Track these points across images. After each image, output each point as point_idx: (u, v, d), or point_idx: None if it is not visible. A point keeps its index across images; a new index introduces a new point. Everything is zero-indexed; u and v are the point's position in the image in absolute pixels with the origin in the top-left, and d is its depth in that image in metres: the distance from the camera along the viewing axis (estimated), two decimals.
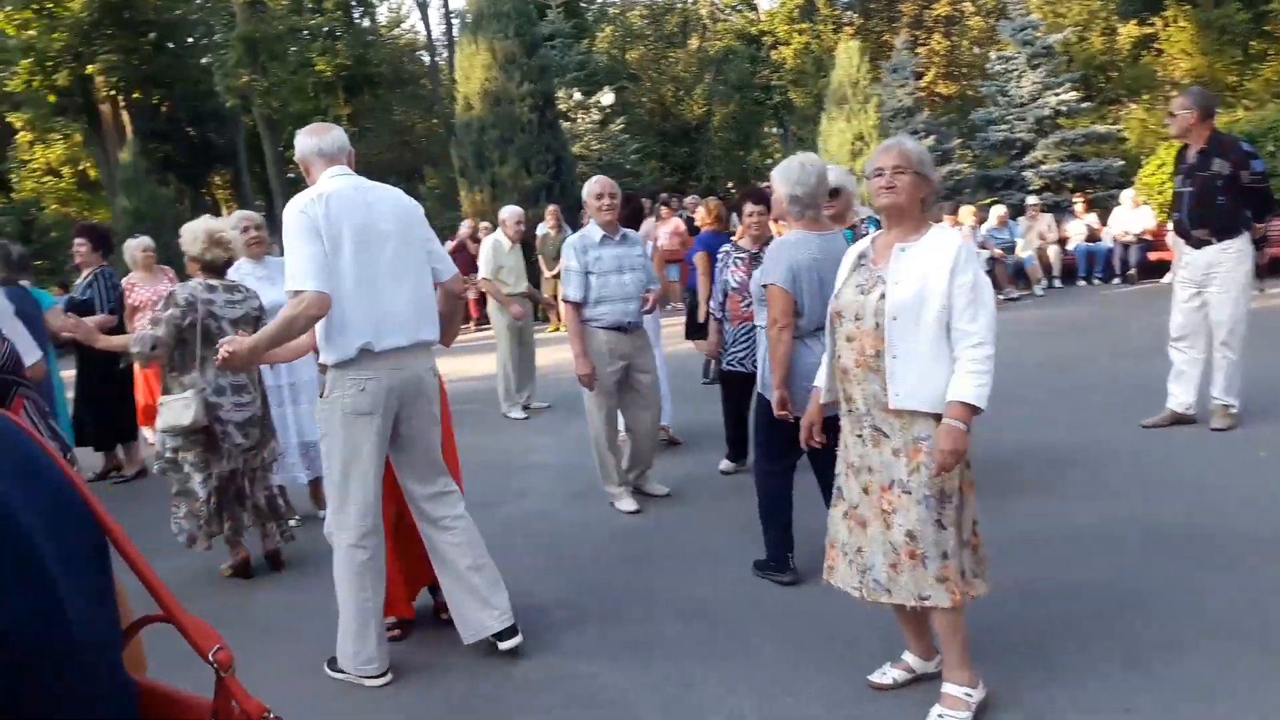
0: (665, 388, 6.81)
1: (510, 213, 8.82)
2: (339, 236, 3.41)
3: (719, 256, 5.92)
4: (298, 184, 36.36)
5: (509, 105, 16.19)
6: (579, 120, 21.85)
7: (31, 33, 24.74)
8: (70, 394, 7.50)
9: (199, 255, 4.86)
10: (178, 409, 4.71)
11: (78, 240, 7.49)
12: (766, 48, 33.78)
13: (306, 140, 3.64)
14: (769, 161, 37.10)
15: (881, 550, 3.10)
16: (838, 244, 4.23)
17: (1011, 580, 3.97)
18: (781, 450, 4.41)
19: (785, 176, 4.18)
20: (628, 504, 5.75)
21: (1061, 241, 15.12)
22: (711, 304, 6.07)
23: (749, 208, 5.75)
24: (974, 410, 2.91)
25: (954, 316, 2.94)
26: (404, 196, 3.68)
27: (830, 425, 4.24)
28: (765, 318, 4.28)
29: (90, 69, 25.27)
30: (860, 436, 3.18)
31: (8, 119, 28.33)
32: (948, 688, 3.14)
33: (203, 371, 4.78)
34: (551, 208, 14.74)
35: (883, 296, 3.02)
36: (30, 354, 3.51)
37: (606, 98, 25.48)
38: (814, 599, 4.18)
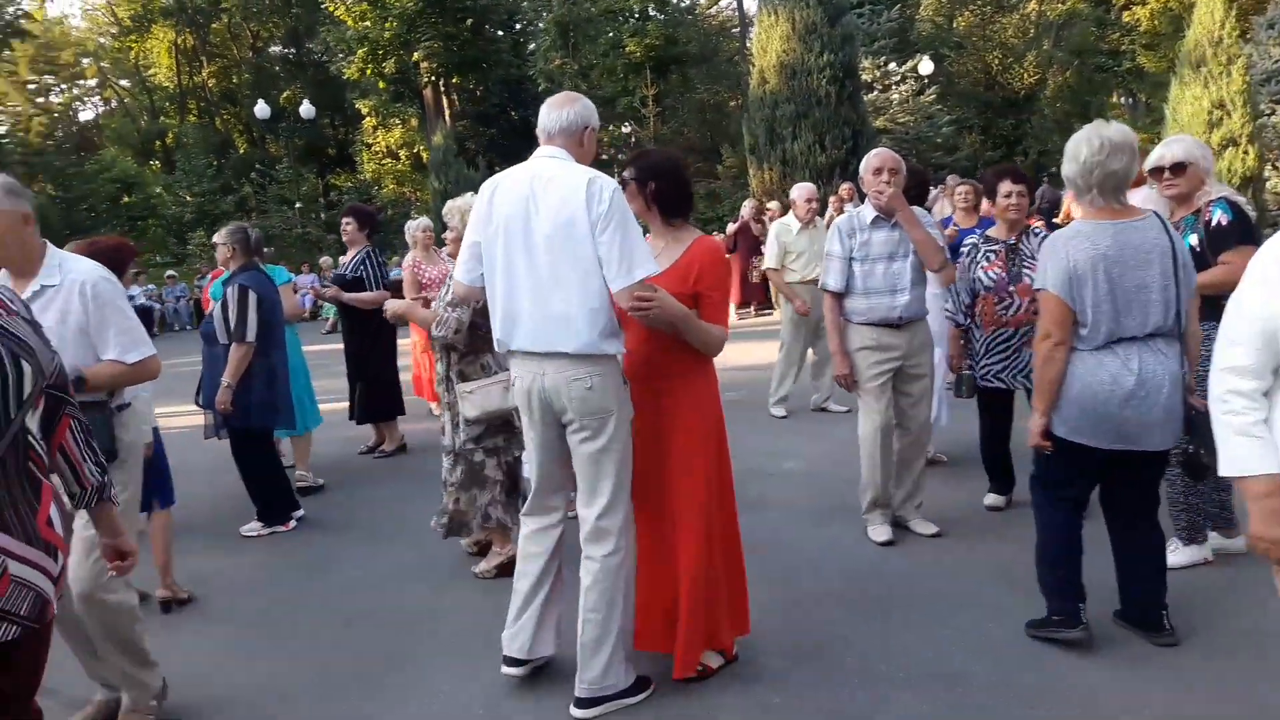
0: (940, 396, 5.88)
1: (801, 191, 8.01)
2: (497, 225, 3.28)
3: (965, 249, 4.97)
4: (606, 166, 37.64)
5: (805, 77, 15.33)
6: (892, 91, 20.51)
7: (367, 23, 26.90)
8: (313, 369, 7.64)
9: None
10: (495, 394, 4.45)
11: (345, 219, 7.66)
12: (1117, 8, 30.42)
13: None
14: None
15: None
16: (1141, 234, 3.36)
17: None
18: (1063, 477, 3.61)
19: (1066, 151, 3.46)
20: (881, 533, 4.93)
21: None
22: (949, 306, 5.08)
23: (1005, 188, 4.82)
24: None
25: None
26: (585, 189, 3.12)
27: (1108, 464, 3.48)
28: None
29: (415, 56, 27.12)
30: None
31: (356, 105, 31.14)
32: None
33: (496, 355, 4.60)
34: (845, 185, 13.76)
35: None
36: (138, 349, 3.31)
37: (924, 66, 23.87)
38: (1101, 671, 3.44)
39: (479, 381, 4.46)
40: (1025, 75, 30.02)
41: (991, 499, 5.29)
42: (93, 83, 49.13)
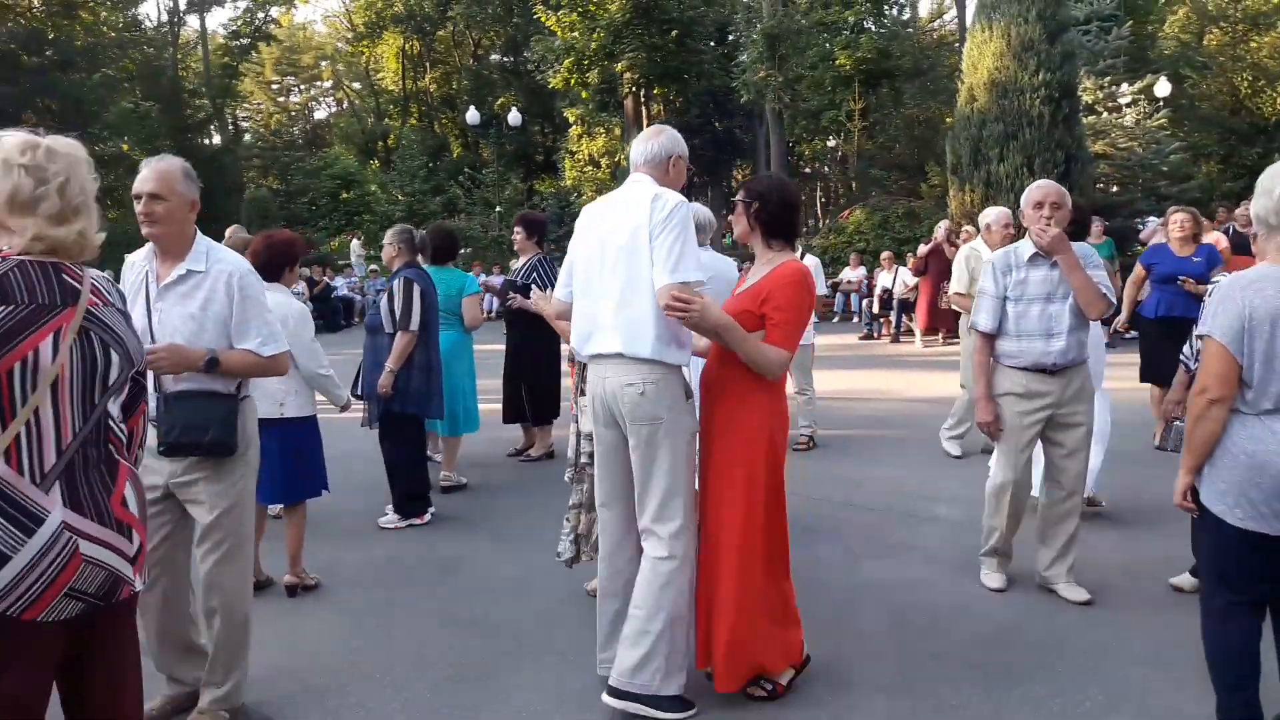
0: (1101, 441, 5.37)
1: (996, 215, 7.30)
2: (584, 244, 3.54)
3: (1212, 288, 4.34)
4: (811, 179, 36.90)
5: (1017, 96, 14.37)
6: (1123, 114, 19.03)
7: (575, 34, 27.40)
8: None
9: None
10: None
11: (516, 228, 7.77)
12: None
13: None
14: None
15: None
16: None
17: None
18: (1237, 572, 2.99)
19: (1259, 184, 2.95)
20: (994, 580, 4.69)
21: None
22: (1186, 349, 4.45)
23: None
24: None
25: None
26: (651, 200, 3.31)
27: None
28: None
29: (620, 66, 27.37)
30: None
31: (564, 113, 31.89)
32: None
33: None
34: None
35: None
36: (275, 343, 3.39)
37: (1161, 87, 22.13)
38: None
39: None
40: (1278, 100, 27.35)
41: (1184, 581, 4.54)
42: (328, 84, 52.89)
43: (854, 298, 18.72)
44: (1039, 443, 4.58)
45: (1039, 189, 4.45)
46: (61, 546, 2.02)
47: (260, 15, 39.43)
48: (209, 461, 3.29)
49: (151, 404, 3.25)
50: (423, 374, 5.94)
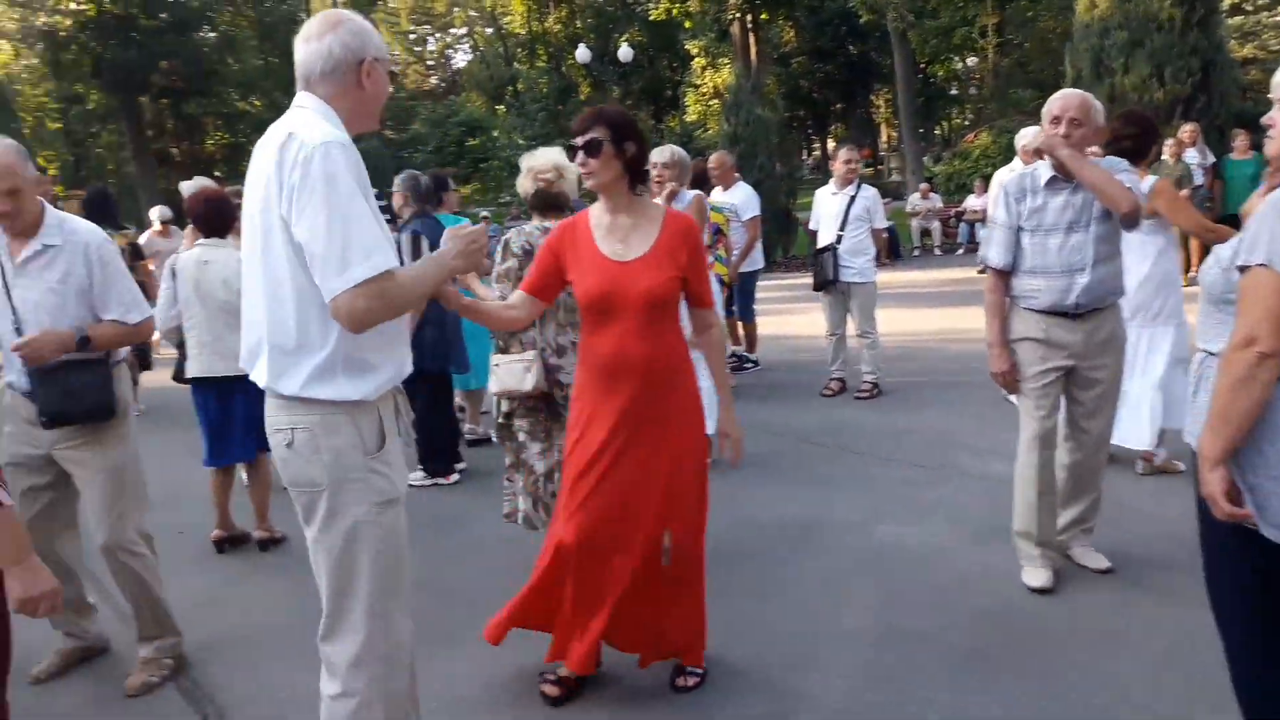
0: (1158, 386, 4.97)
1: (1035, 135, 6.75)
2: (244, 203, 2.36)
3: None
4: (932, 103, 34.97)
5: (1145, 0, 13.09)
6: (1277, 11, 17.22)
7: None
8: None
9: (526, 192, 4.21)
10: (517, 371, 4.09)
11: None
12: None
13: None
14: None
15: None
16: None
17: None
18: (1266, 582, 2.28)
19: None
20: (1036, 577, 3.97)
21: None
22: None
23: None
24: None
25: None
26: (277, 152, 2.15)
27: None
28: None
29: None
30: None
31: (686, 46, 31.27)
32: None
33: (542, 329, 4.10)
34: (1188, 127, 11.71)
35: None
36: (139, 310, 3.45)
37: None
38: None
39: (508, 356, 4.11)
40: None
41: None
42: (461, 31, 53.46)
43: (978, 227, 17.78)
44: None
45: (1058, 100, 3.82)
46: None
47: None
48: (88, 427, 3.36)
49: (24, 378, 3.30)
50: (436, 327, 5.73)
